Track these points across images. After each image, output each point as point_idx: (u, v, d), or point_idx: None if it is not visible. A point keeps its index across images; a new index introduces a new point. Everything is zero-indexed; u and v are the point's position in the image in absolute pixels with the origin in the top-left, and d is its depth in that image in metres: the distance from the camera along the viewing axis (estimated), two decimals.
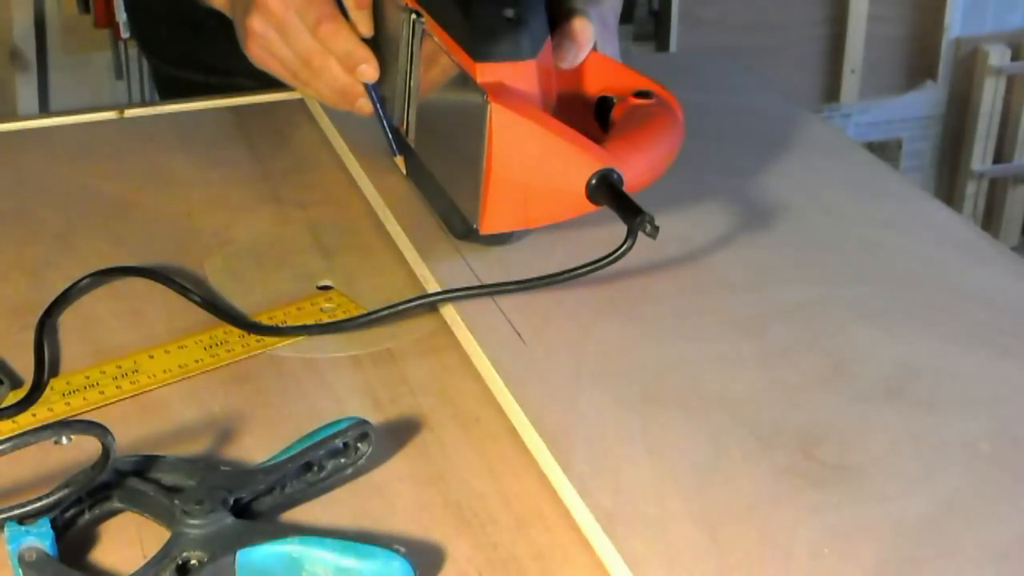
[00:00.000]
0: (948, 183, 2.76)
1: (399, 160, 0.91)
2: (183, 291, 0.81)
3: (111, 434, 0.60)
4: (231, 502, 0.61)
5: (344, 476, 0.65)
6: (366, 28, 0.88)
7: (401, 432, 0.70)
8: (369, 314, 0.79)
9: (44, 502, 0.59)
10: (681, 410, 0.69)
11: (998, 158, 2.72)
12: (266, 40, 0.89)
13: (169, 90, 1.30)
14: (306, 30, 0.87)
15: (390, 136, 0.91)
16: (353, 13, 0.88)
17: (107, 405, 0.71)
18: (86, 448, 0.64)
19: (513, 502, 0.65)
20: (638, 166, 0.79)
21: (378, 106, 0.89)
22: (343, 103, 0.91)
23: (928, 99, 2.68)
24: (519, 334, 0.75)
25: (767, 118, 1.06)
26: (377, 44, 0.88)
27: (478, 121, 0.76)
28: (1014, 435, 0.68)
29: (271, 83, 0.96)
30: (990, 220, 2.75)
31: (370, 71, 0.87)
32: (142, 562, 0.59)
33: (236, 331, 0.78)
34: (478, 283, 0.79)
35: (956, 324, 0.77)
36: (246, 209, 0.92)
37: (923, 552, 0.60)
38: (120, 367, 0.74)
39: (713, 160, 0.96)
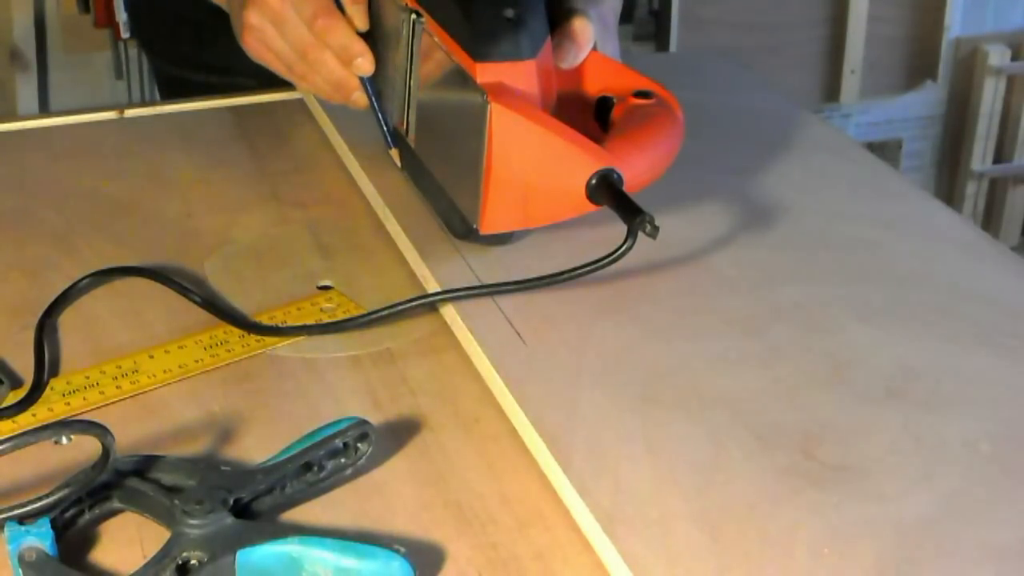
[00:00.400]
0: (948, 183, 2.77)
1: (394, 153, 0.91)
2: (183, 291, 0.81)
3: (111, 434, 0.60)
4: (231, 502, 0.61)
5: (344, 476, 0.65)
6: (362, 22, 0.89)
7: (401, 432, 0.70)
8: (369, 314, 0.79)
9: (44, 502, 0.59)
10: (681, 410, 0.69)
11: (998, 158, 2.72)
12: (262, 34, 0.90)
13: (171, 90, 1.30)
14: (302, 24, 0.88)
15: (385, 129, 0.91)
16: (349, 8, 0.88)
17: (107, 405, 0.71)
18: (86, 448, 0.64)
19: (513, 502, 0.65)
20: (638, 166, 0.79)
21: (373, 99, 0.90)
22: (338, 96, 0.92)
23: (928, 99, 2.69)
24: (519, 334, 0.75)
25: (767, 118, 1.06)
26: (373, 39, 0.89)
27: (478, 121, 0.77)
28: (1014, 435, 0.68)
29: (272, 83, 0.96)
30: (990, 220, 2.75)
31: (366, 65, 0.88)
32: (142, 562, 0.59)
33: (236, 331, 0.78)
34: (478, 283, 0.79)
35: (956, 324, 0.77)
36: (246, 209, 0.92)
37: (923, 552, 0.60)
38: (120, 367, 0.74)
39: (713, 160, 0.96)
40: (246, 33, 0.91)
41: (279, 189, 0.95)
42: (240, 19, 0.92)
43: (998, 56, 2.63)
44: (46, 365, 0.74)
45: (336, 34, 0.88)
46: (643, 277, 0.81)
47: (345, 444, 0.65)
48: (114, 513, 0.63)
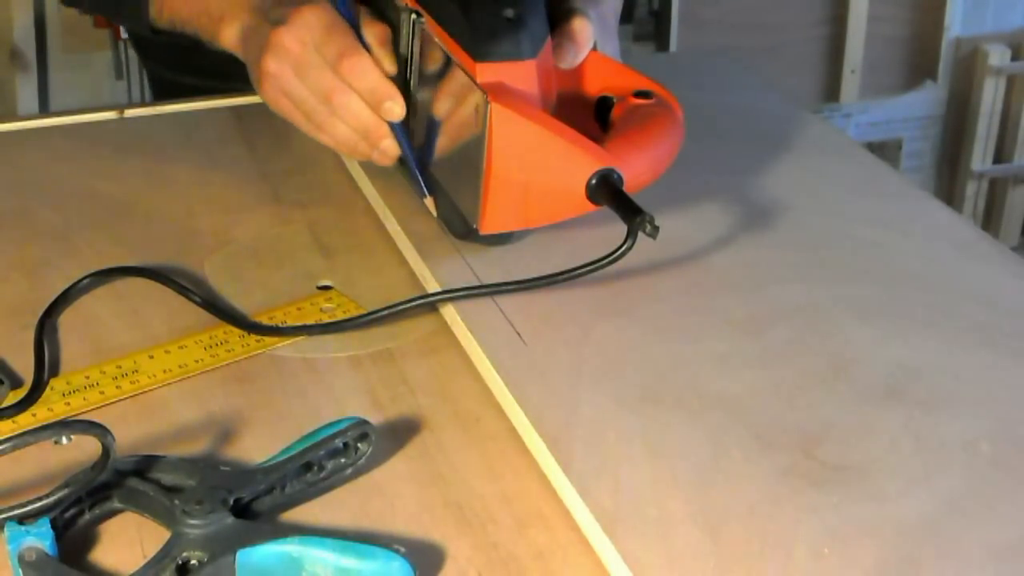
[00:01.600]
0: (948, 183, 2.76)
1: (429, 202, 0.86)
2: (183, 291, 0.81)
3: (111, 434, 0.60)
4: (231, 502, 0.61)
5: (344, 476, 0.65)
6: (390, 65, 0.83)
7: (401, 432, 0.70)
8: (369, 314, 0.79)
9: (44, 502, 0.59)
10: (681, 410, 0.69)
11: (998, 158, 2.72)
12: (281, 80, 0.84)
13: (166, 94, 1.29)
14: (326, 66, 0.82)
15: (420, 178, 0.85)
16: (376, 50, 0.83)
17: (107, 405, 0.71)
18: (86, 448, 0.64)
19: (513, 502, 0.65)
20: (638, 166, 0.79)
21: (406, 146, 0.84)
22: (363, 146, 0.85)
23: (928, 99, 2.68)
24: (519, 334, 0.75)
25: (767, 118, 1.06)
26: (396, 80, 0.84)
27: (478, 121, 0.76)
28: (1014, 435, 0.68)
29: None
30: (990, 220, 2.75)
31: (397, 109, 0.82)
32: (142, 562, 0.59)
33: (236, 331, 0.78)
34: (478, 283, 0.79)
35: (956, 324, 0.77)
36: (246, 209, 0.92)
37: (923, 552, 0.60)
38: (120, 367, 0.74)
39: (713, 160, 0.96)
40: (264, 82, 0.85)
41: (279, 189, 0.95)
42: (258, 67, 0.86)
43: (998, 56, 2.63)
44: (46, 365, 0.74)
45: (364, 76, 0.81)
46: (643, 277, 0.81)
47: (345, 444, 0.65)
48: (114, 513, 0.63)
